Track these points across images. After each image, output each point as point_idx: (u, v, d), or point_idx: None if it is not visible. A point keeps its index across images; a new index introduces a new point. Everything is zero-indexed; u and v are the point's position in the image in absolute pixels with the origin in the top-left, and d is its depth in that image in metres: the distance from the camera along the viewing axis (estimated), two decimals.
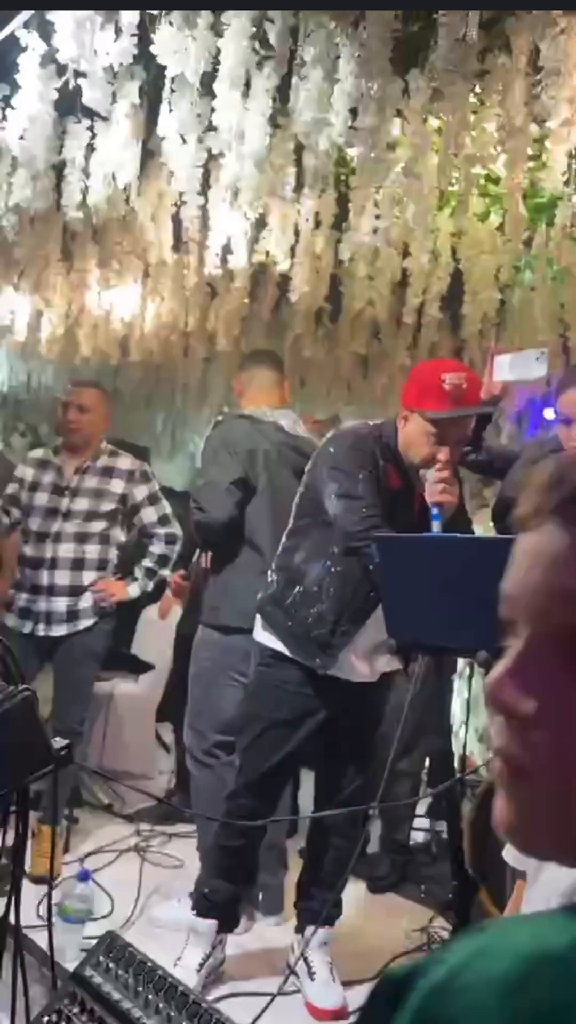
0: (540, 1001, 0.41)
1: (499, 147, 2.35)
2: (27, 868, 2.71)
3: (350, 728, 2.32)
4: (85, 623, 3.13)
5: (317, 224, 3.00)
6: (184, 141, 2.40)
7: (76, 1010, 1.19)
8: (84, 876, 2.47)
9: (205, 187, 2.68)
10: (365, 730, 2.34)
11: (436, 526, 1.97)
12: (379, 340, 4.28)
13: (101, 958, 1.25)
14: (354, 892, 2.86)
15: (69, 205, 2.55)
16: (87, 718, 3.31)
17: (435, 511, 1.99)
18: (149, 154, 2.73)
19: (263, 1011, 1.92)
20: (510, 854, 1.18)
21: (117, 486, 3.20)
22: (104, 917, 2.58)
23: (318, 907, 2.24)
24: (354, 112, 2.14)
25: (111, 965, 1.23)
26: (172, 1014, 1.12)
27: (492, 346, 2.34)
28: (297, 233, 2.97)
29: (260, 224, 2.98)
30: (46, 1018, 1.19)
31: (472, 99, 2.35)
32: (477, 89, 2.37)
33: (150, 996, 1.16)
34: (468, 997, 0.42)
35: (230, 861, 2.31)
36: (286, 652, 2.26)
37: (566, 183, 2.38)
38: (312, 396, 5.22)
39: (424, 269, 3.08)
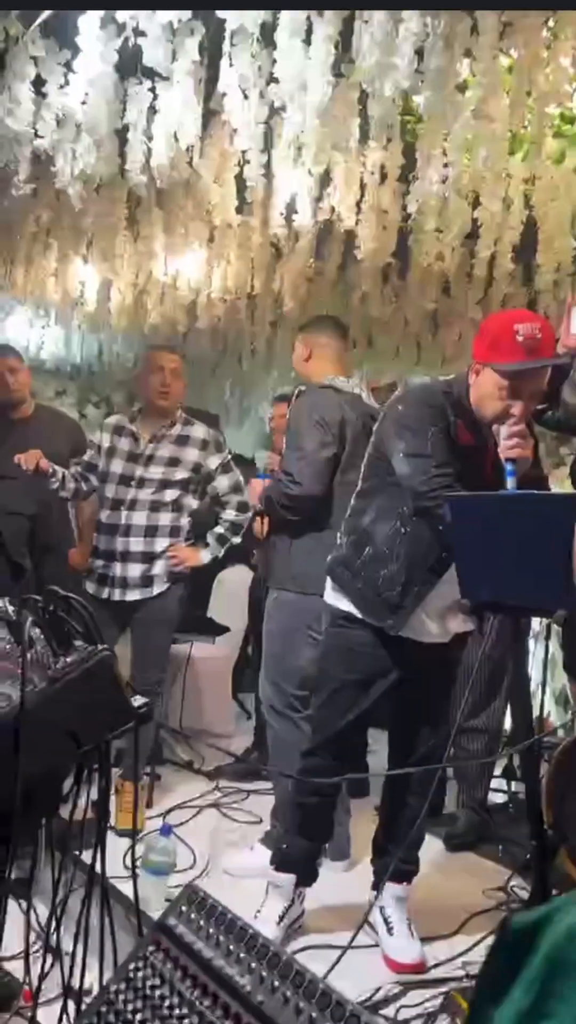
0: None
1: (574, 84, 2.23)
2: (112, 823, 2.85)
3: (423, 688, 2.31)
4: (159, 588, 3.19)
5: (383, 177, 2.92)
6: (245, 96, 2.36)
7: (161, 958, 1.23)
8: (166, 831, 2.55)
9: (268, 144, 2.63)
10: (438, 690, 2.32)
11: (510, 482, 1.92)
12: (448, 295, 4.16)
13: (183, 908, 1.28)
14: (432, 850, 2.87)
15: (133, 170, 2.54)
16: (165, 680, 3.40)
17: (509, 467, 1.94)
18: (211, 113, 2.69)
19: (336, 962, 1.96)
20: None
21: (191, 455, 3.23)
22: (186, 870, 2.66)
23: (394, 864, 2.26)
24: (420, 54, 2.05)
25: (193, 915, 1.26)
26: (252, 964, 1.14)
27: (570, 297, 2.24)
28: (362, 187, 2.89)
29: (324, 180, 2.92)
30: (132, 964, 1.23)
31: (545, 33, 2.23)
32: (550, 23, 2.24)
33: (231, 946, 1.18)
34: None
35: (306, 818, 2.34)
36: (357, 614, 2.25)
37: None
38: (380, 356, 5.14)
39: (495, 218, 2.97)
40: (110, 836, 2.64)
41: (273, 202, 2.95)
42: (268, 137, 2.61)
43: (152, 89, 2.43)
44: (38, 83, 2.31)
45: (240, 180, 2.89)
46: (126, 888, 1.71)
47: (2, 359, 3.75)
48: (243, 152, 2.62)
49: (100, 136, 2.39)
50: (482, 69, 2.13)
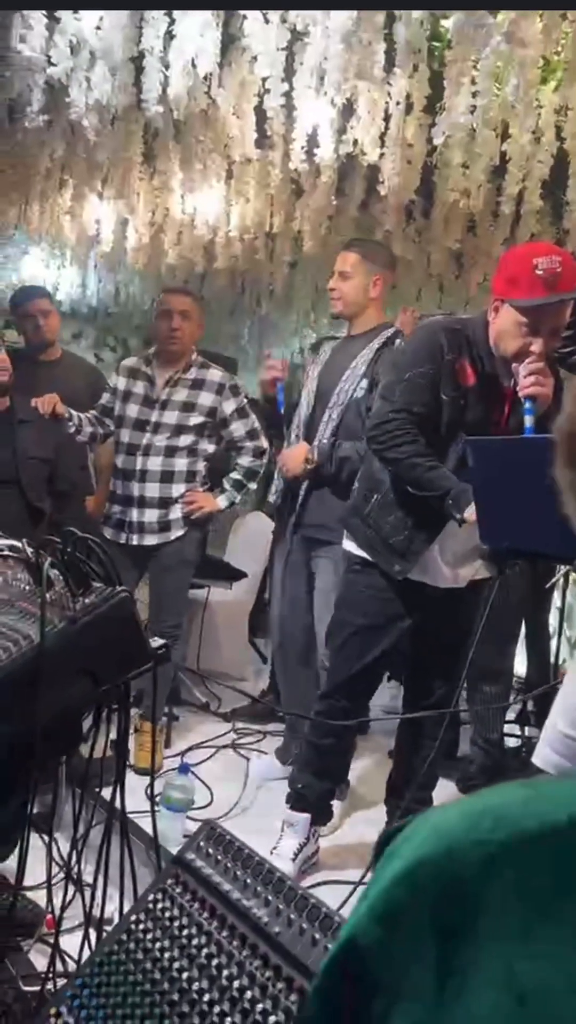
0: None
1: None
2: (131, 761, 2.90)
3: (439, 634, 2.31)
4: (176, 533, 3.20)
5: (409, 108, 2.80)
6: (267, 20, 2.25)
7: (179, 890, 1.25)
8: (184, 769, 2.60)
9: (289, 72, 2.53)
10: (454, 636, 2.32)
11: (528, 420, 1.89)
12: (474, 235, 4.03)
13: (201, 843, 1.30)
14: (445, 792, 2.91)
15: (149, 100, 2.45)
16: (183, 623, 3.42)
17: (528, 405, 1.90)
18: (230, 40, 2.58)
19: (349, 896, 2.00)
20: (539, 757, 1.15)
21: (207, 399, 3.19)
22: (203, 808, 2.72)
23: (407, 804, 2.29)
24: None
25: (211, 851, 1.29)
26: (269, 897, 1.16)
27: None
28: (387, 119, 2.78)
29: (347, 112, 2.80)
30: (152, 896, 1.26)
31: None
32: None
33: (248, 880, 1.21)
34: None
35: (321, 758, 2.37)
36: (369, 559, 2.25)
37: None
38: (401, 298, 5.01)
39: (524, 152, 2.85)
40: (129, 774, 2.71)
41: (294, 135, 2.84)
42: (290, 64, 2.51)
43: (169, 14, 2.33)
44: (51, 7, 2.21)
45: (260, 111, 2.79)
46: (145, 824, 1.74)
47: (35, 301, 3.70)
48: (263, 81, 2.52)
49: (115, 64, 2.30)
50: None
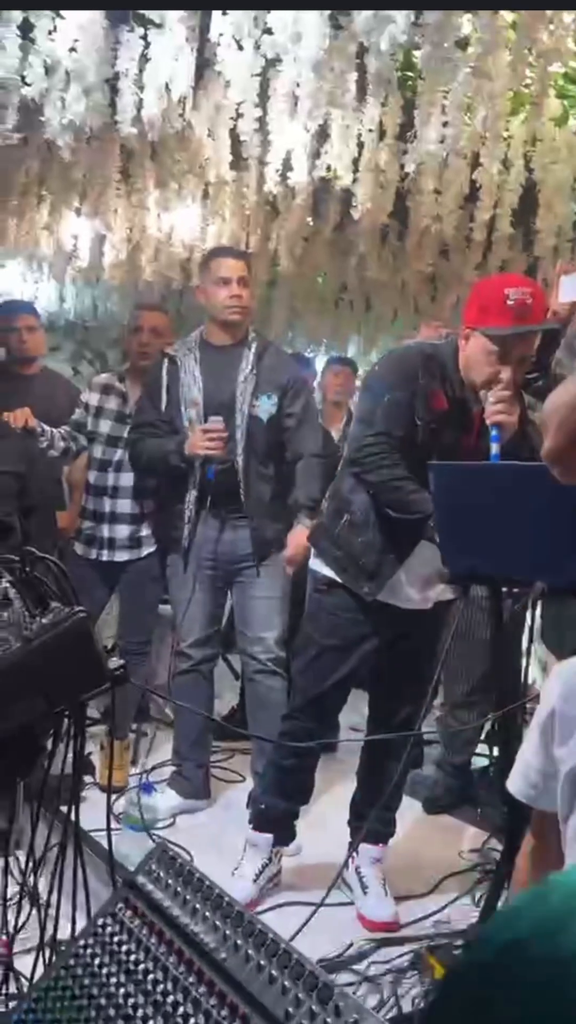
0: None
1: None
2: (97, 779, 2.88)
3: (405, 655, 2.33)
4: (147, 549, 3.19)
5: (381, 135, 2.85)
6: (240, 47, 2.29)
7: (129, 914, 1.25)
8: (147, 788, 2.58)
9: (263, 97, 2.57)
10: (420, 657, 2.34)
11: (494, 447, 1.92)
12: (447, 259, 4.10)
13: (153, 867, 1.30)
14: (410, 812, 2.92)
15: (124, 121, 2.47)
16: (151, 640, 3.41)
17: (494, 432, 1.94)
18: (205, 64, 2.62)
19: (308, 919, 2.00)
20: (514, 785, 1.17)
21: None
22: (167, 827, 2.70)
23: (370, 825, 2.30)
24: (419, 8, 1.99)
25: (162, 874, 1.28)
26: (217, 923, 1.16)
27: (559, 265, 2.21)
28: (360, 145, 2.82)
29: (321, 137, 2.85)
30: (101, 919, 1.25)
31: None
32: None
33: (197, 905, 1.20)
34: None
35: (285, 778, 2.37)
36: (337, 580, 2.26)
37: None
38: (377, 319, 5.07)
39: (494, 181, 2.90)
40: (95, 792, 2.70)
41: (269, 158, 2.88)
42: (263, 90, 2.54)
43: (144, 37, 2.36)
44: (25, 28, 2.23)
45: (234, 134, 2.82)
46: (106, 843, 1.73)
47: (21, 315, 3.69)
48: (237, 105, 2.56)
49: (89, 84, 2.33)
50: (482, 24, 2.07)
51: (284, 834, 2.42)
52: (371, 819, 2.31)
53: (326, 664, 2.29)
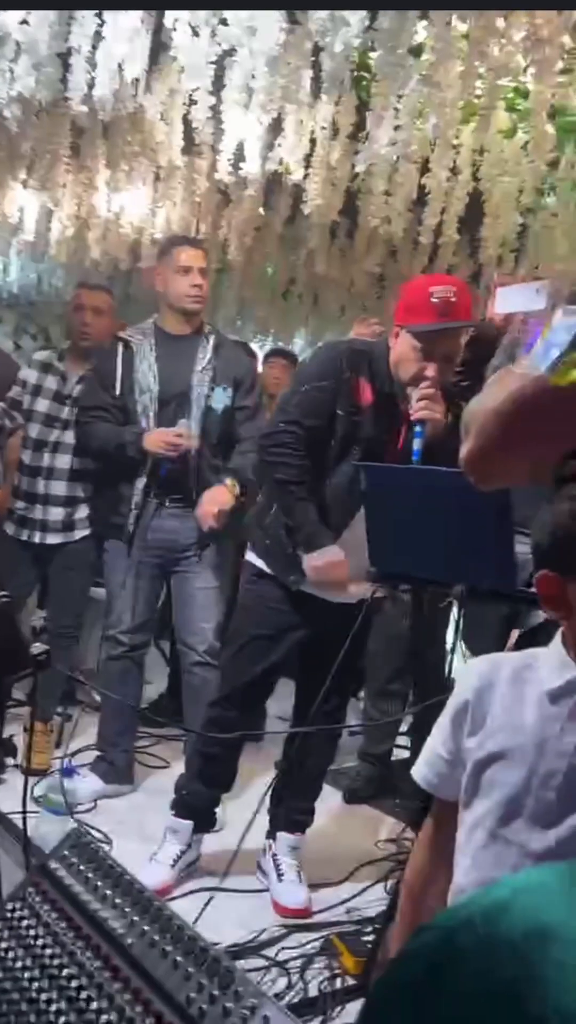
0: None
1: (527, 57, 2.22)
2: (19, 761, 2.85)
3: (331, 647, 2.36)
4: (81, 533, 3.17)
5: (335, 133, 2.87)
6: (196, 34, 2.27)
7: (39, 899, 1.25)
8: (68, 771, 2.58)
9: (218, 86, 2.55)
10: (346, 651, 2.37)
11: (417, 443, 1.98)
12: (395, 260, 4.15)
13: (66, 852, 1.31)
14: (330, 802, 2.98)
15: (75, 97, 2.43)
16: (81, 623, 3.39)
17: (418, 428, 1.99)
18: (161, 47, 2.59)
19: (207, 904, 2.03)
20: (420, 772, 1.22)
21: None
22: (88, 811, 2.70)
23: (289, 814, 2.34)
24: (375, 12, 2.01)
25: (75, 860, 1.29)
26: (127, 908, 1.18)
27: (496, 277, 2.28)
28: (313, 142, 2.84)
29: (275, 130, 2.85)
30: (10, 904, 1.26)
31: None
32: None
33: (108, 891, 1.22)
34: None
35: (208, 767, 2.40)
36: (267, 570, 2.29)
37: None
38: (324, 315, 5.10)
39: (442, 187, 2.96)
40: (16, 774, 2.68)
41: (222, 146, 2.87)
42: (219, 79, 2.53)
43: (99, 15, 2.32)
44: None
45: (187, 120, 2.80)
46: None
47: None
48: (191, 91, 2.54)
49: (41, 59, 2.28)
50: (436, 34, 2.10)
51: (205, 821, 2.45)
52: (290, 808, 2.35)
53: (254, 653, 2.32)
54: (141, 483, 2.80)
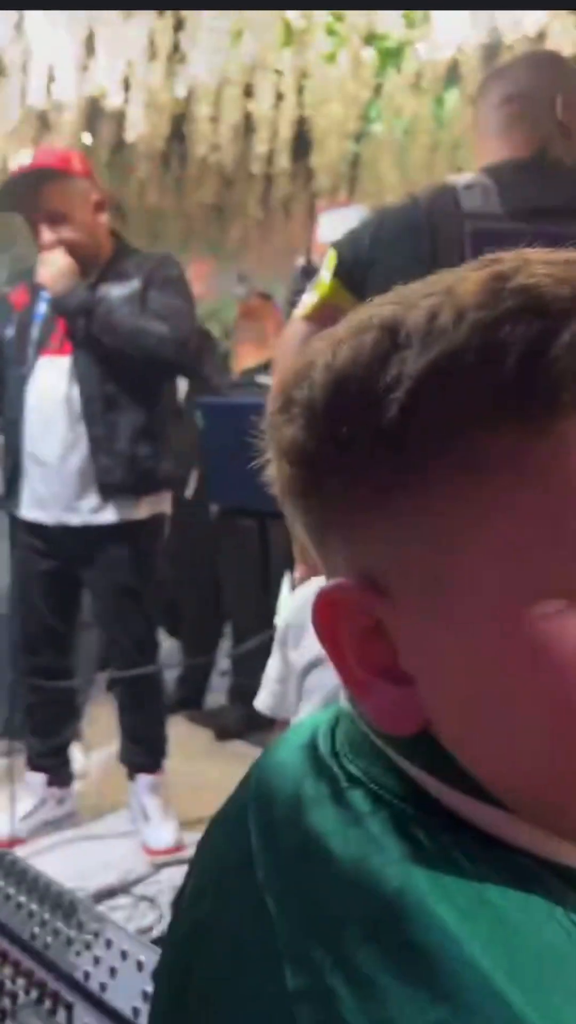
0: None
1: None
2: None
3: (99, 579, 2.17)
4: None
5: (152, 55, 2.74)
6: None
7: None
8: None
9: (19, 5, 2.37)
10: (117, 581, 2.13)
11: (42, 307, 2.00)
12: (231, 190, 4.06)
13: None
14: (200, 739, 3.01)
15: None
16: None
17: (43, 294, 2.00)
18: None
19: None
20: (260, 701, 1.26)
21: None
22: None
23: (136, 758, 2.29)
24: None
25: None
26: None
27: (318, 205, 2.28)
28: (129, 64, 2.70)
29: (88, 51, 2.69)
30: None
31: None
32: None
33: None
34: None
35: (32, 717, 2.31)
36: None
37: (409, 26, 2.25)
38: (166, 247, 4.94)
39: (268, 114, 2.90)
40: None
41: (31, 68, 2.68)
42: None
43: None
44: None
45: None
46: None
47: None
48: None
49: None
50: None
51: (55, 771, 2.36)
52: (133, 751, 2.31)
53: (24, 600, 2.19)
54: None
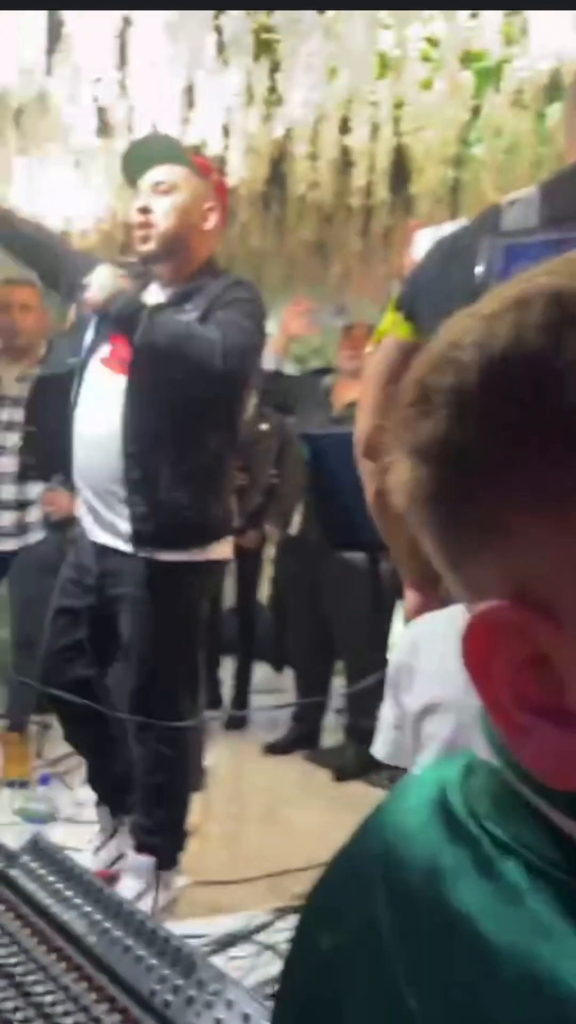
0: None
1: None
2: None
3: (123, 620, 2.01)
4: (35, 536, 3.09)
5: (249, 99, 2.80)
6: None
7: (1, 907, 1.21)
8: (44, 780, 2.53)
9: (123, 61, 2.48)
10: (143, 626, 1.96)
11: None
12: (331, 225, 4.08)
13: (26, 859, 1.27)
14: (321, 781, 2.95)
15: None
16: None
17: None
18: (57, 25, 2.50)
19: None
20: (378, 749, 1.19)
21: None
22: (67, 819, 2.65)
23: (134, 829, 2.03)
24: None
25: (35, 866, 1.25)
26: (98, 916, 1.14)
27: (412, 223, 2.23)
28: (228, 110, 2.77)
29: (187, 103, 2.77)
30: None
31: None
32: None
33: (77, 899, 1.18)
34: None
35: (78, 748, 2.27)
36: None
37: (508, 44, 2.20)
38: (269, 289, 5.01)
39: (364, 146, 2.90)
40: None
41: (134, 124, 2.79)
42: (122, 54, 2.46)
43: None
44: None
45: (100, 103, 2.72)
46: (7, 837, 1.67)
47: None
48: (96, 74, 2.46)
49: None
50: None
51: (115, 806, 2.18)
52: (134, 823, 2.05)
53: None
54: None
